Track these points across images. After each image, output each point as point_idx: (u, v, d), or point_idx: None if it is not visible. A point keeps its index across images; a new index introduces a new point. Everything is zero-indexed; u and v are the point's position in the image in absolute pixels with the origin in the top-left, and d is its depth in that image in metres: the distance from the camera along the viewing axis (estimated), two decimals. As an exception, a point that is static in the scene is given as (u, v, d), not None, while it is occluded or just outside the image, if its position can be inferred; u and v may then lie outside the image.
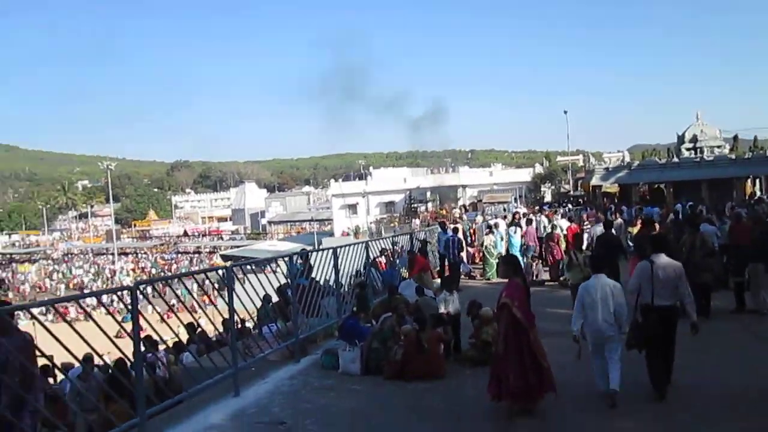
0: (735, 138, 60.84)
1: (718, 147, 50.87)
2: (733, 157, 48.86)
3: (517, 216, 21.80)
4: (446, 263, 17.63)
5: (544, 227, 20.17)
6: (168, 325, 7.12)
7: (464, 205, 49.03)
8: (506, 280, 7.02)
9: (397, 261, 17.74)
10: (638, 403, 6.91)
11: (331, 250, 11.35)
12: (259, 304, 9.84)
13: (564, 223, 20.05)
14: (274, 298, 11.04)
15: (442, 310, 9.40)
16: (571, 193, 56.21)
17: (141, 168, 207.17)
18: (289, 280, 9.68)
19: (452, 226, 20.03)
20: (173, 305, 8.05)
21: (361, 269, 14.00)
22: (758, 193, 45.44)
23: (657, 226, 14.89)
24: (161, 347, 10.19)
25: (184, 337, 11.29)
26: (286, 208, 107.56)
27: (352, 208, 74.28)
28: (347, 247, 12.27)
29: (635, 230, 15.48)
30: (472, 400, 7.33)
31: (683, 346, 7.35)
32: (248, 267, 9.84)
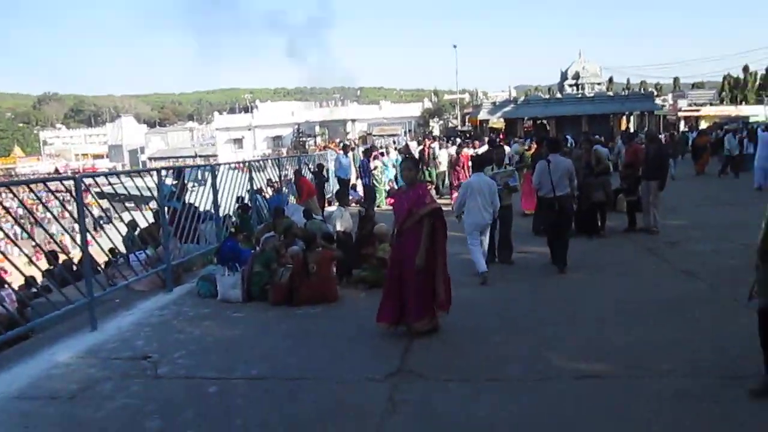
0: (610, 80, 63.47)
1: (599, 84, 52.78)
2: (611, 94, 50.91)
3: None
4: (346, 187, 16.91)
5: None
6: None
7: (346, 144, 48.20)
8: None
9: (285, 189, 16.74)
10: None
11: (208, 168, 10.15)
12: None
13: (453, 150, 19.92)
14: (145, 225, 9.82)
15: (338, 227, 8.58)
16: (459, 127, 56.67)
17: (3, 101, 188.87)
18: (155, 198, 8.40)
19: (362, 148, 19.40)
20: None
21: (245, 195, 12.97)
22: (632, 128, 47.81)
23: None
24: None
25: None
26: (167, 144, 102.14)
27: (238, 142, 71.86)
28: (227, 167, 11.09)
29: (530, 152, 15.32)
30: (366, 323, 6.64)
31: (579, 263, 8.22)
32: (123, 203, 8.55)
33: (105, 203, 10.83)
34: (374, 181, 17.63)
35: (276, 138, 70.17)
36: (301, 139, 59.48)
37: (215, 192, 9.98)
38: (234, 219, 10.98)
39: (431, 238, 5.91)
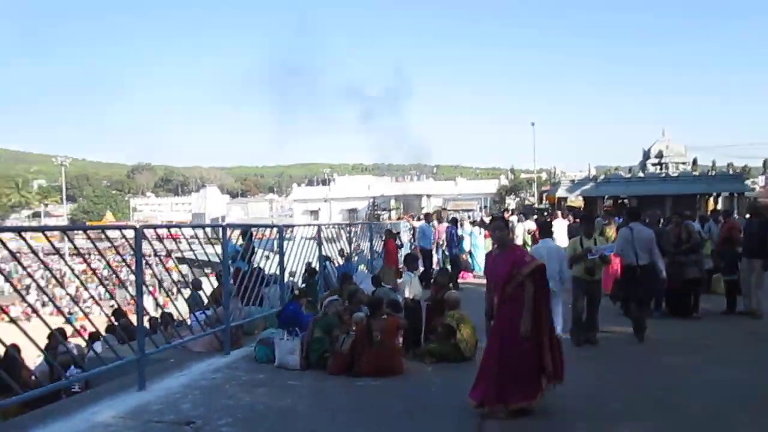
0: (694, 161, 61.30)
1: (683, 163, 51.00)
2: (697, 173, 48.99)
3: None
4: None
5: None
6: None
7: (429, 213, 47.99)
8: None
9: (355, 257, 16.40)
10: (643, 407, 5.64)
11: (276, 229, 9.90)
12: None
13: (531, 224, 19.22)
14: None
15: (407, 294, 8.04)
16: (536, 205, 55.64)
17: (100, 169, 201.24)
18: (221, 259, 8.12)
19: (450, 217, 18.84)
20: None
21: (313, 261, 12.69)
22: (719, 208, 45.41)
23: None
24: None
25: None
26: (247, 214, 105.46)
27: (314, 214, 73.06)
28: (296, 228, 10.82)
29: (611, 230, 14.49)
30: (433, 401, 5.97)
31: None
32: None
33: (185, 269, 10.79)
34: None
35: (351, 210, 71.03)
36: (375, 212, 59.93)
37: (281, 254, 9.67)
38: (298, 282, 10.62)
39: (534, 301, 5.26)
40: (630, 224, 8.84)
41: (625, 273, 8.90)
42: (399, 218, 30.59)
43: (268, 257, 10.60)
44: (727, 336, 8.70)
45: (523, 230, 18.90)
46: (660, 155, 50.88)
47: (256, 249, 10.25)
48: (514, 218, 20.42)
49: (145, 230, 6.63)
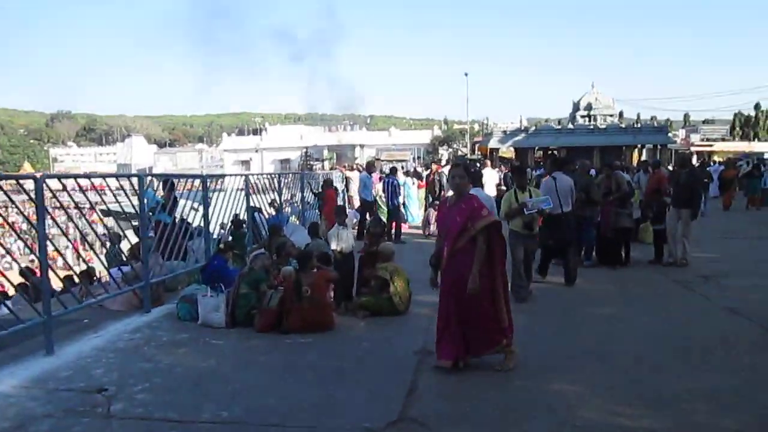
0: (620, 114, 62.85)
1: (611, 115, 52.16)
2: (623, 125, 50.25)
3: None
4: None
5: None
6: None
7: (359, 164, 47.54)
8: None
9: (287, 208, 15.92)
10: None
11: (199, 180, 9.34)
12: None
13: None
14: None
15: (333, 247, 7.68)
16: (468, 155, 56.02)
17: (16, 117, 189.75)
18: (138, 210, 7.52)
19: (389, 167, 18.37)
20: None
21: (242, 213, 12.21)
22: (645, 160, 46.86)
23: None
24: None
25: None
26: (176, 165, 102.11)
27: (245, 164, 71.57)
28: (220, 179, 10.26)
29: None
30: (365, 357, 5.74)
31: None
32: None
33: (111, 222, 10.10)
34: (379, 203, 16.80)
35: (284, 161, 69.88)
36: (309, 163, 59.08)
37: (206, 206, 9.14)
38: (223, 234, 10.14)
39: (487, 256, 5.04)
40: (553, 173, 9.14)
41: (551, 221, 8.85)
42: (332, 168, 29.85)
43: (195, 209, 10.06)
44: (656, 285, 8.81)
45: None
46: (589, 107, 51.80)
47: (179, 200, 9.68)
48: (444, 170, 20.25)
49: (63, 180, 6.01)
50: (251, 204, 11.62)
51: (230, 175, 11.01)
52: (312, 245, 8.75)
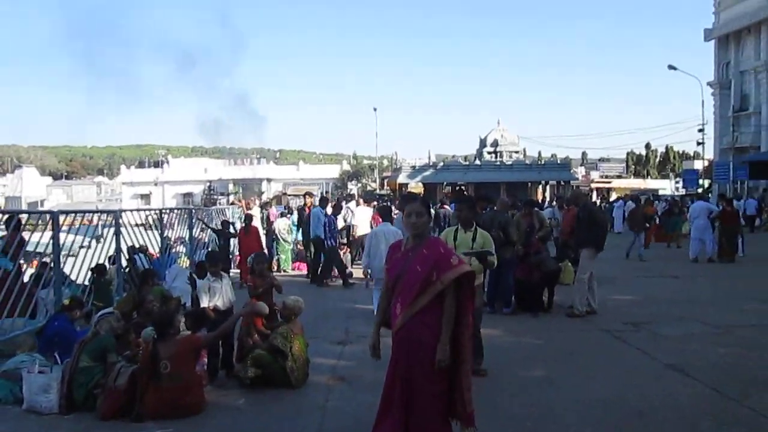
0: (524, 151, 64.58)
1: (516, 152, 53.15)
2: (529, 162, 51.24)
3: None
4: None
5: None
6: None
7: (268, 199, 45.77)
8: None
9: (178, 248, 14.23)
10: None
11: (49, 215, 7.70)
12: None
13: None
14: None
15: (204, 303, 6.19)
16: (378, 191, 55.44)
17: None
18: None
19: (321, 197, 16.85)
20: None
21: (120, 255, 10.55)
22: (547, 198, 48.18)
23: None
24: None
25: None
26: (71, 198, 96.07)
27: (145, 198, 68.14)
28: (84, 216, 8.65)
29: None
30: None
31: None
32: None
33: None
34: (281, 239, 15.43)
35: (186, 195, 67.07)
36: (212, 197, 56.67)
37: (56, 246, 7.47)
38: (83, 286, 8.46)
39: (457, 317, 3.73)
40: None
41: None
42: (231, 203, 27.29)
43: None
44: (585, 337, 7.84)
45: (367, 218, 17.66)
46: (495, 144, 52.64)
47: (26, 241, 7.96)
48: (352, 204, 19.01)
49: None
50: (131, 244, 10.03)
51: (94, 211, 9.36)
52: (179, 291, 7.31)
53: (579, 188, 18.64)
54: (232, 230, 15.17)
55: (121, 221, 9.35)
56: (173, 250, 13.66)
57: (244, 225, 14.20)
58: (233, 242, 16.37)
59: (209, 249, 13.66)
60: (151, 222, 12.89)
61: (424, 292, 3.73)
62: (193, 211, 13.78)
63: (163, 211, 11.64)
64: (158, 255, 12.12)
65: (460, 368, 3.71)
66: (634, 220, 17.41)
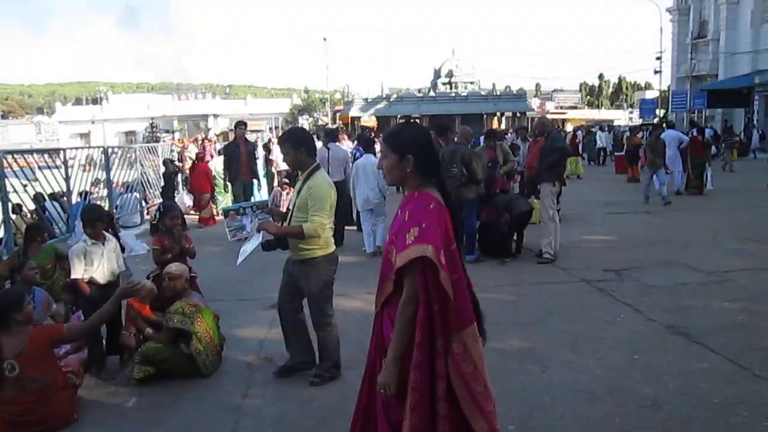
0: (478, 83, 63.11)
1: (472, 83, 51.66)
2: (484, 93, 49.86)
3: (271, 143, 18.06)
4: None
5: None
6: None
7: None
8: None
9: (95, 191, 12.62)
10: None
11: None
12: None
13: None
14: None
15: (77, 273, 4.63)
16: (330, 125, 53.49)
17: None
18: None
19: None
20: None
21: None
22: (504, 129, 47.27)
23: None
24: None
25: None
26: (6, 139, 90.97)
27: (84, 137, 64.62)
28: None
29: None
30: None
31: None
32: None
33: None
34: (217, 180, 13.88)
35: (129, 133, 63.76)
36: (155, 134, 53.82)
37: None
38: None
39: (417, 323, 2.35)
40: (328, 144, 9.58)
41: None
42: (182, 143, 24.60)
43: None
44: (563, 291, 6.70)
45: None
46: (450, 74, 51.08)
47: None
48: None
49: None
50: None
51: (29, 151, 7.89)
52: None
53: (544, 117, 17.37)
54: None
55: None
56: (93, 195, 12.06)
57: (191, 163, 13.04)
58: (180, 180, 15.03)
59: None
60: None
61: (385, 276, 2.49)
62: (110, 150, 12.01)
63: (66, 150, 9.88)
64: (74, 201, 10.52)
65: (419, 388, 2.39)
66: (655, 152, 13.56)
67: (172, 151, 17.25)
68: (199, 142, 18.65)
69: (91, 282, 4.51)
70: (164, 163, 14.74)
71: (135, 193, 12.91)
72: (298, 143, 4.16)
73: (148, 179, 13.89)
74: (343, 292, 6.69)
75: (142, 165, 13.53)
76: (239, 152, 10.74)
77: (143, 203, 13.34)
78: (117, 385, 4.42)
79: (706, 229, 10.08)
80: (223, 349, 4.73)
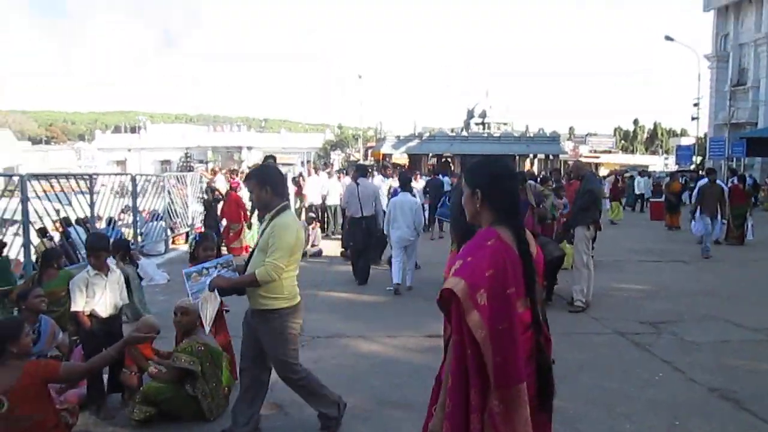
0: (511, 125, 63.09)
1: (505, 124, 51.55)
2: (517, 135, 49.66)
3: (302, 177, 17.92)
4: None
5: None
6: None
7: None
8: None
9: (124, 218, 12.63)
10: None
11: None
12: None
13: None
14: None
15: (78, 306, 4.41)
16: (362, 161, 53.68)
17: None
18: None
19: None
20: None
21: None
22: (535, 171, 47.02)
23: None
24: None
25: None
26: (47, 163, 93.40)
27: (121, 164, 65.96)
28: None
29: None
30: None
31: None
32: None
33: None
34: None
35: (164, 162, 64.83)
36: (189, 163, 54.62)
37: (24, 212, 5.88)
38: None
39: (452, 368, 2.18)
40: (358, 179, 9.63)
41: (351, 224, 9.82)
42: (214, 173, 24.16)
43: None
44: (597, 344, 6.33)
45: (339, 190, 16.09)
46: (483, 115, 51.09)
47: None
48: (324, 174, 17.27)
49: None
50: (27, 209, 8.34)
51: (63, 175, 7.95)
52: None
53: (579, 160, 16.83)
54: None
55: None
56: (119, 222, 12.03)
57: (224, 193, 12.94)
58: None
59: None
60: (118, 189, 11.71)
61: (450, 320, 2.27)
62: (137, 178, 12.00)
63: (93, 177, 9.85)
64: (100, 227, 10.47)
65: None
66: (710, 199, 12.50)
67: (200, 180, 17.23)
68: (224, 173, 18.59)
69: (92, 315, 4.29)
70: (205, 191, 14.49)
71: (161, 222, 12.85)
72: (263, 181, 3.82)
73: (175, 208, 13.83)
74: (362, 334, 6.43)
75: (170, 194, 13.50)
76: None
77: (168, 232, 13.27)
78: (116, 425, 4.16)
79: (747, 282, 9.58)
80: (230, 392, 4.46)
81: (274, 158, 11.26)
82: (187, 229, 14.28)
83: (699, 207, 12.68)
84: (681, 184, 19.55)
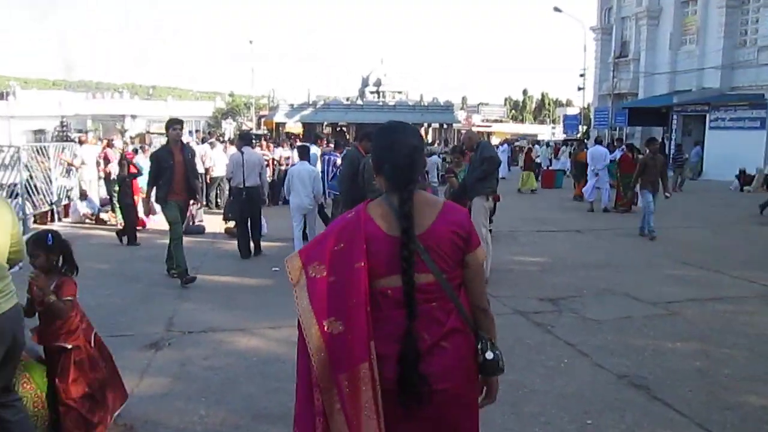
0: (406, 94, 63.04)
1: (400, 92, 51.26)
2: (412, 104, 49.52)
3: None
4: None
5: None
6: None
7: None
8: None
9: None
10: None
11: None
12: None
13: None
14: None
15: None
16: (254, 130, 51.84)
17: None
18: None
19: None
20: None
21: None
22: (430, 140, 47.51)
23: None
24: None
25: None
26: None
27: (-12, 135, 60.36)
28: None
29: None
30: None
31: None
32: None
33: None
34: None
35: (38, 131, 59.89)
36: (66, 133, 50.70)
37: None
38: None
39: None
40: (242, 149, 9.51)
41: (234, 194, 9.71)
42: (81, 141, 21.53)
43: None
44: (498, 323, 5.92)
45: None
46: (378, 83, 50.47)
47: None
48: (219, 146, 16.13)
49: None
50: None
51: None
52: None
53: (470, 129, 16.64)
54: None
55: None
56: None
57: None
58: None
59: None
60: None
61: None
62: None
63: None
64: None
65: None
66: (652, 172, 11.26)
67: (71, 151, 15.51)
68: (98, 142, 16.86)
69: None
70: (119, 163, 12.35)
71: (17, 199, 11.34)
72: None
73: (35, 183, 12.28)
74: (241, 326, 5.67)
75: (28, 167, 11.95)
76: (173, 162, 7.63)
77: (28, 209, 11.77)
78: None
79: (639, 251, 9.60)
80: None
81: (181, 123, 8.68)
82: (51, 207, 12.77)
83: (640, 181, 11.56)
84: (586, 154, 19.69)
